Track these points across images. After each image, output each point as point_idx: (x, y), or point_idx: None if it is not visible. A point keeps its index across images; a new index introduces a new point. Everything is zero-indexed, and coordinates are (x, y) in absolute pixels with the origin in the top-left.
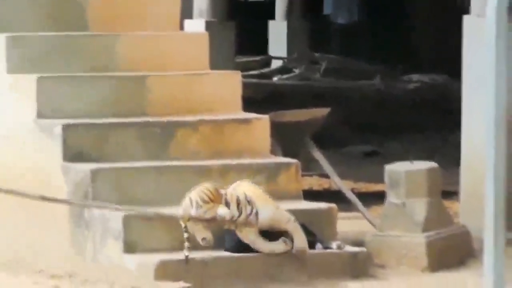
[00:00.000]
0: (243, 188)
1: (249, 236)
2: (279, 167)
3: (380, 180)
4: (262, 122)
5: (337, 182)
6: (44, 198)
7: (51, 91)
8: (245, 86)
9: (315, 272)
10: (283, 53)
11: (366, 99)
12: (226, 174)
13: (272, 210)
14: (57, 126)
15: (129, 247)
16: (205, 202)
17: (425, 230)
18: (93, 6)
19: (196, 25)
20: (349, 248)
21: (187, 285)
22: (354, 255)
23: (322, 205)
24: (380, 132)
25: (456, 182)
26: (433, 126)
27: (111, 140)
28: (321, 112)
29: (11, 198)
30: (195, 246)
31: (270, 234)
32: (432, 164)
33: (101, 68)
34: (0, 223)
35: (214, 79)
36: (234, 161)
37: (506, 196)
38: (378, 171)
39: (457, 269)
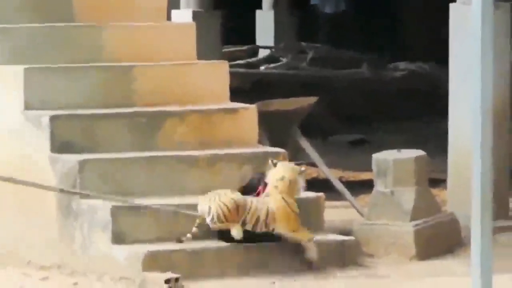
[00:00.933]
0: (270, 203)
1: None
2: (266, 156)
3: (368, 168)
4: (249, 111)
5: (324, 171)
6: (62, 190)
7: (39, 82)
8: (232, 75)
9: (302, 261)
10: (270, 43)
11: (353, 87)
12: (214, 164)
13: (287, 232)
14: (44, 117)
15: (118, 238)
16: (220, 221)
17: (413, 218)
18: None
19: (183, 15)
20: (337, 237)
21: (176, 275)
22: (342, 244)
23: (310, 194)
24: (367, 121)
25: (444, 170)
26: (420, 114)
27: (99, 131)
28: (308, 101)
29: None
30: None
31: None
32: (420, 153)
33: (88, 59)
34: None
35: (201, 69)
36: (222, 151)
37: (492, 185)
38: (365, 159)
39: (445, 257)
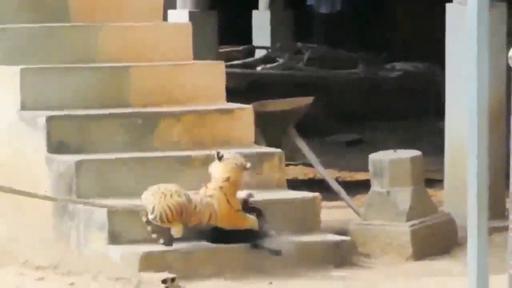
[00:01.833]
0: (214, 205)
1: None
2: (262, 157)
3: (364, 168)
4: (245, 112)
5: (321, 171)
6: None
7: (35, 82)
8: (229, 76)
9: (298, 261)
10: (267, 43)
11: (350, 88)
12: (209, 164)
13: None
14: (41, 117)
15: (114, 238)
16: (162, 221)
17: (409, 218)
18: None
19: (180, 16)
20: (334, 237)
21: (172, 275)
22: (338, 244)
23: (306, 194)
24: (363, 121)
25: (440, 170)
26: (416, 114)
27: (95, 131)
28: (305, 101)
29: None
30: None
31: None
32: (416, 153)
33: (83, 59)
34: None
35: (198, 69)
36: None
37: (489, 184)
38: (362, 159)
39: (441, 258)
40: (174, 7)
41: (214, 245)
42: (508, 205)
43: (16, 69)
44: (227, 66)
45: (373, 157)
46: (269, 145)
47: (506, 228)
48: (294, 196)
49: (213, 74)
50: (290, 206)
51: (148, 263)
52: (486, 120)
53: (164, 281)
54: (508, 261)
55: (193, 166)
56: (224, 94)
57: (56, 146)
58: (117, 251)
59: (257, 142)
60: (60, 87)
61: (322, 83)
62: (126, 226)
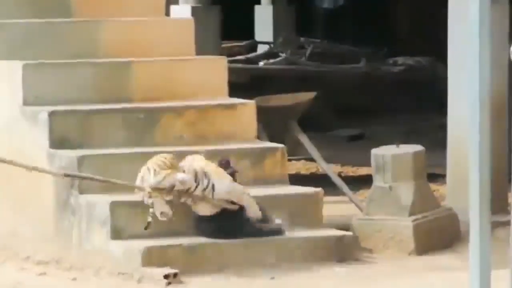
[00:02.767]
0: (198, 162)
1: (204, 210)
2: (265, 152)
3: (367, 163)
4: (248, 107)
5: (323, 166)
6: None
7: (37, 78)
8: (231, 71)
9: (300, 256)
10: (269, 38)
11: (352, 82)
12: (212, 160)
13: (227, 184)
14: (42, 113)
15: (116, 233)
16: (162, 168)
17: (411, 213)
18: None
19: (182, 11)
20: (336, 232)
21: (174, 271)
22: (341, 238)
23: (309, 189)
24: (366, 115)
25: (443, 164)
26: (419, 108)
27: (96, 127)
28: (307, 96)
29: None
30: (182, 232)
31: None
32: (418, 148)
33: (85, 55)
34: None
35: (200, 64)
36: (220, 147)
37: (491, 179)
38: (364, 154)
39: (444, 252)
40: (176, 2)
41: (216, 240)
42: (510, 200)
43: (18, 64)
44: (229, 61)
45: (376, 152)
46: (271, 140)
47: (508, 223)
48: (297, 191)
49: (215, 69)
50: (293, 201)
51: (150, 258)
52: (488, 114)
53: (166, 276)
54: (510, 255)
55: None
56: (226, 89)
57: (58, 141)
58: (119, 246)
59: (259, 137)
60: (62, 82)
61: (325, 78)
62: (128, 221)
